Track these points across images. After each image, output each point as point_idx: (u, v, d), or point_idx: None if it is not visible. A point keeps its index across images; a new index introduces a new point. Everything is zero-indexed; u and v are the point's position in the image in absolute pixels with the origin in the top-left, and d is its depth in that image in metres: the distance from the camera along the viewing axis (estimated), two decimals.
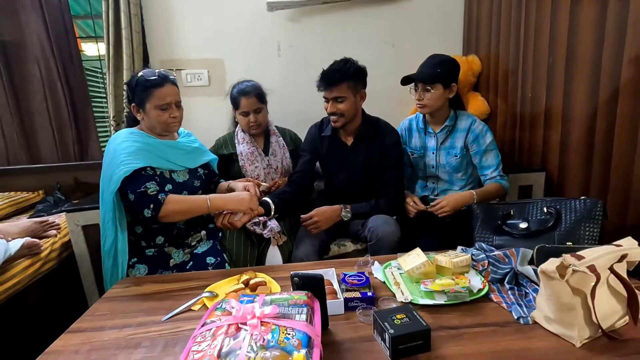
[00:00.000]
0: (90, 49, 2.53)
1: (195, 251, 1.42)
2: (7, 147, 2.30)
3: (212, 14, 2.24)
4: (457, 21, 2.39)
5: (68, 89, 2.26)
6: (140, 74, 1.35)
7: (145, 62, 2.21)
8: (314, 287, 0.86)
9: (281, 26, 2.29)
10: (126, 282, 1.22)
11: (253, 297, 0.83)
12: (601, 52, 1.44)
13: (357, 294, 0.99)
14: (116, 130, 2.05)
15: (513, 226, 1.34)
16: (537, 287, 0.97)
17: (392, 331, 0.78)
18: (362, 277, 1.06)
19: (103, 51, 2.16)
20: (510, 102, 2.04)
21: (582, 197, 1.29)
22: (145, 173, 1.30)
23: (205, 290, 1.09)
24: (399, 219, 1.64)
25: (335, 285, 1.05)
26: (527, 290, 1.01)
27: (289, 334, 0.69)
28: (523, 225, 1.32)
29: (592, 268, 0.78)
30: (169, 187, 1.36)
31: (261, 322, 0.72)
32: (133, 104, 1.37)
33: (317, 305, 0.82)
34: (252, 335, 0.69)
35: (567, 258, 0.80)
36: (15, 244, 1.42)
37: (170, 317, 0.98)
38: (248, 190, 1.43)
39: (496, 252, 1.14)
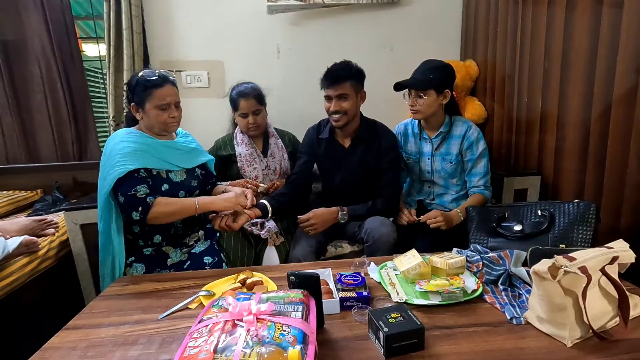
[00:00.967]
0: (91, 50, 2.54)
1: (192, 251, 1.43)
2: (7, 145, 2.30)
3: (213, 16, 2.26)
4: (455, 26, 2.42)
5: (68, 89, 2.27)
6: (140, 73, 1.36)
7: (146, 63, 2.22)
8: (310, 286, 0.87)
9: (281, 29, 2.31)
10: (123, 281, 1.23)
11: (250, 295, 0.84)
12: (595, 58, 1.46)
13: (352, 294, 1.00)
14: (115, 131, 2.06)
15: (507, 228, 1.35)
16: (530, 288, 0.98)
17: (386, 329, 0.79)
18: (357, 277, 1.07)
19: (104, 52, 2.17)
20: (506, 106, 2.06)
21: (576, 200, 1.30)
22: (138, 175, 1.31)
23: (202, 289, 1.10)
24: (395, 220, 1.65)
25: (331, 285, 1.07)
26: (521, 292, 1.02)
27: (284, 331, 0.70)
28: (517, 227, 1.34)
29: (583, 269, 0.80)
30: (165, 187, 1.37)
31: (257, 318, 0.73)
32: (132, 104, 1.38)
33: (312, 304, 0.83)
34: (248, 331, 0.70)
35: (559, 259, 0.81)
36: (14, 242, 1.42)
37: (167, 315, 0.99)
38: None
39: (490, 254, 1.16)
